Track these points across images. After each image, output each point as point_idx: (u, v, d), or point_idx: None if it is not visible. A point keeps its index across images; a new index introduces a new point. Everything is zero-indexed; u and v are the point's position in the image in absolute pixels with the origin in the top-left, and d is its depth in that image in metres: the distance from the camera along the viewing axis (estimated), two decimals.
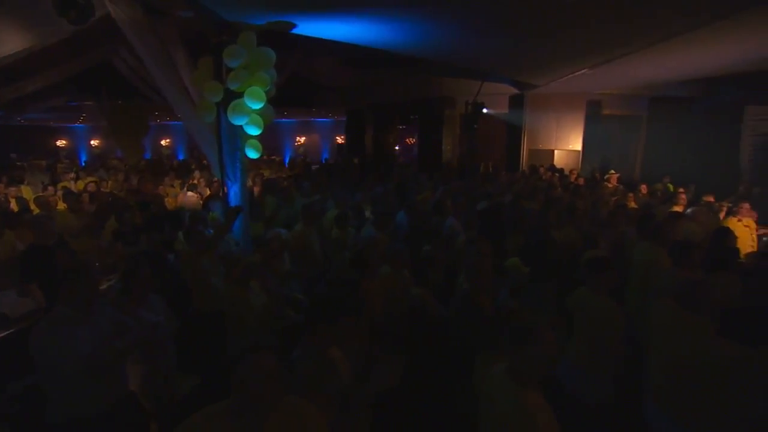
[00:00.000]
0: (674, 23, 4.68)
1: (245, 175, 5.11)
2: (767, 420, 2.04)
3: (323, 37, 5.80)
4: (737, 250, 4.04)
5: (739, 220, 5.69)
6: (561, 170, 9.90)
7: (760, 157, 9.35)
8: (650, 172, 10.70)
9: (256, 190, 7.95)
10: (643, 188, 7.81)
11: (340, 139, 22.38)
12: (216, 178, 6.63)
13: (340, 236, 4.78)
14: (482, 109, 9.00)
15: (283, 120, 23.11)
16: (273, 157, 19.30)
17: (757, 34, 4.98)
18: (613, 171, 9.23)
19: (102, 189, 7.84)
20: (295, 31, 5.16)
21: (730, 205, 6.15)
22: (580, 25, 4.92)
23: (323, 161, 19.69)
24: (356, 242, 4.47)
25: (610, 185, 8.46)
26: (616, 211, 5.05)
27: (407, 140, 20.14)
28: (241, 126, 4.52)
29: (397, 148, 14.82)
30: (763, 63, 6.69)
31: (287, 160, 18.08)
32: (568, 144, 10.81)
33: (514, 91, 10.65)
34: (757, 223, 5.90)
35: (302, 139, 24.48)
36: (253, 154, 4.87)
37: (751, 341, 1.95)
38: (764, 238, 5.79)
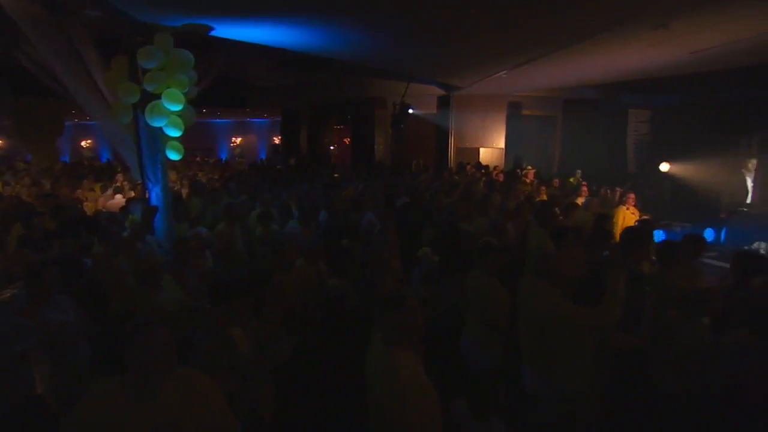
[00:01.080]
0: (571, 33, 5.29)
1: (167, 177, 5.08)
2: (602, 365, 2.50)
3: (246, 41, 5.88)
4: (611, 233, 4.67)
5: (628, 209, 6.53)
6: (486, 167, 10.60)
7: (640, 153, 10.70)
8: (566, 167, 11.75)
9: (184, 192, 7.87)
10: (555, 182, 8.60)
11: (277, 140, 22.15)
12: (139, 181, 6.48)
13: (263, 234, 4.91)
14: (408, 109, 9.42)
15: (218, 120, 22.50)
16: (207, 159, 18.76)
17: (634, 47, 5.74)
18: (529, 167, 10.02)
19: (7, 194, 7.35)
20: (214, 33, 5.21)
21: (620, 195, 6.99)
22: (494, 32, 5.39)
23: (259, 161, 19.47)
24: (279, 239, 4.63)
25: (527, 180, 9.19)
26: (522, 203, 5.59)
27: (345, 140, 20.36)
28: (160, 127, 4.51)
29: (332, 147, 14.99)
30: (641, 72, 7.64)
31: (223, 161, 17.69)
32: (492, 142, 11.55)
33: (441, 92, 11.24)
34: (640, 210, 6.80)
35: (239, 140, 23.96)
36: (174, 155, 4.87)
37: None
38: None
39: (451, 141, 11.38)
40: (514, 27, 5.11)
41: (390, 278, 3.33)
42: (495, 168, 10.43)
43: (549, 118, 12.81)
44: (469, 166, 10.42)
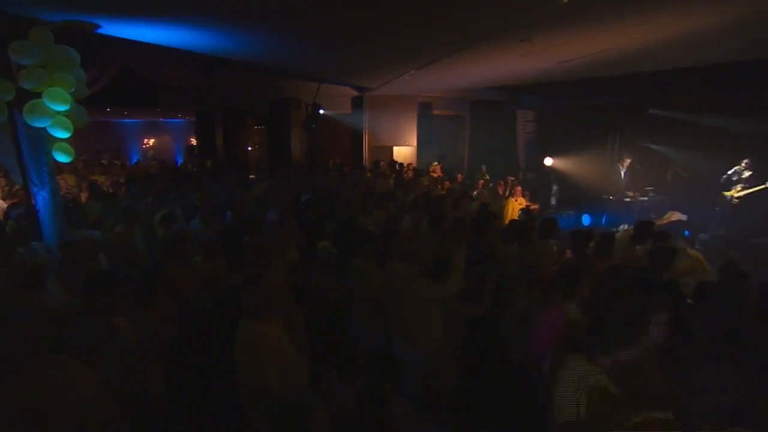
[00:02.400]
0: (449, 43, 5.84)
1: (55, 180, 4.88)
2: (452, 331, 2.96)
3: (140, 41, 5.77)
4: (490, 220, 5.30)
5: (516, 200, 7.34)
6: (401, 164, 11.15)
7: (527, 150, 11.96)
8: (474, 163, 12.70)
9: (84, 196, 7.55)
10: (459, 177, 9.33)
11: (194, 141, 21.23)
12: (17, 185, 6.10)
13: (165, 235, 4.90)
14: (320, 110, 9.65)
15: (126, 120, 21.05)
16: (115, 161, 17.54)
17: (511, 55, 6.46)
18: (435, 162, 10.73)
19: None
20: (102, 32, 5.08)
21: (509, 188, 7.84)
22: (386, 38, 5.77)
23: (178, 164, 18.58)
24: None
25: (434, 175, 9.86)
26: (417, 197, 6.09)
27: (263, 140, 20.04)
28: (44, 128, 4.34)
29: (251, 148, 14.77)
30: (527, 77, 8.57)
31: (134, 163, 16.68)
32: (405, 141, 12.15)
33: (355, 93, 11.62)
34: (530, 200, 7.66)
35: (151, 141, 22.59)
36: (62, 157, 4.70)
37: None
38: None
39: (365, 140, 11.80)
40: (402, 35, 5.55)
41: (281, 266, 3.57)
42: (408, 165, 11.01)
43: (458, 118, 13.73)
44: (383, 164, 10.89)
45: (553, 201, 9.80)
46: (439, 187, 8.43)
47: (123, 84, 8.26)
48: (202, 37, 5.72)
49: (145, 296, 2.85)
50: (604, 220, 8.68)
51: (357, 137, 12.14)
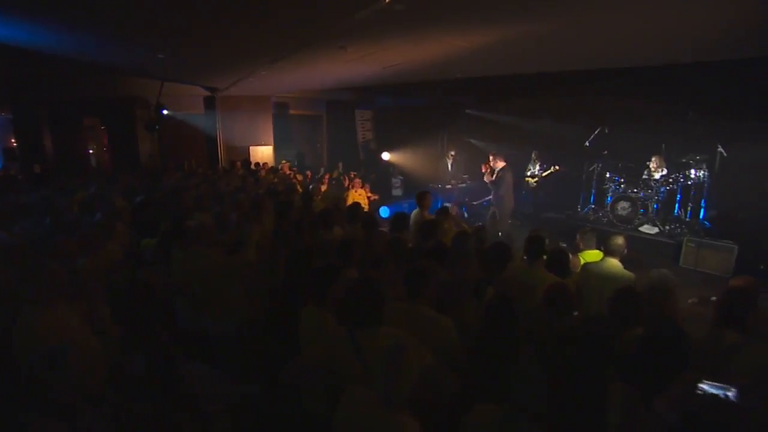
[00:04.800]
0: (274, 48, 6.28)
1: None
2: (255, 304, 3.44)
3: None
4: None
5: (356, 191, 8.15)
6: (257, 164, 11.29)
7: (367, 146, 13.26)
8: (333, 161, 13.40)
9: None
10: (308, 173, 9.88)
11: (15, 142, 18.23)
12: None
13: None
14: (163, 110, 9.34)
15: None
16: None
17: (339, 61, 7.14)
18: (284, 161, 11.16)
19: None
20: None
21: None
22: (221, 38, 5.94)
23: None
24: None
25: (284, 172, 10.26)
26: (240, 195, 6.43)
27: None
28: None
29: (91, 151, 13.40)
30: (365, 80, 9.45)
31: None
32: (262, 141, 12.29)
33: (207, 93, 11.39)
34: (371, 191, 8.58)
35: None
36: None
37: None
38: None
39: (220, 140, 11.67)
40: (227, 40, 5.83)
41: (95, 262, 3.66)
42: (264, 165, 11.20)
43: (315, 118, 14.30)
44: (238, 164, 10.92)
45: (399, 191, 10.95)
46: (294, 182, 8.90)
47: None
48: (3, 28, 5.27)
49: None
50: (439, 203, 10.08)
51: (212, 138, 11.92)
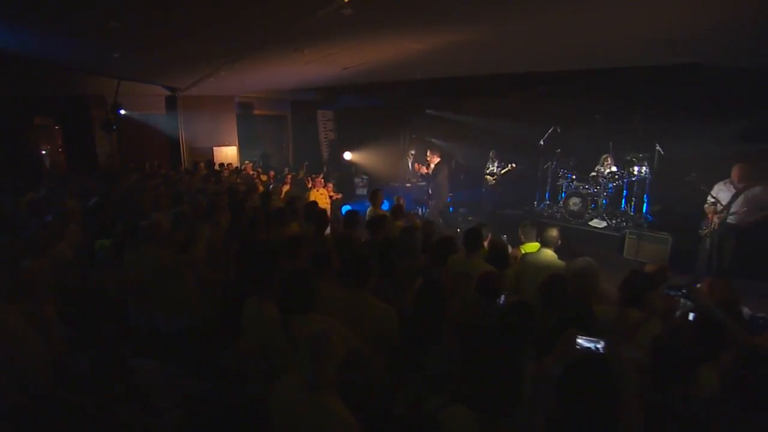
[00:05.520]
0: (234, 50, 6.32)
1: None
2: (207, 297, 3.52)
3: None
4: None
5: (317, 190, 8.25)
6: (221, 165, 11.19)
7: (330, 146, 13.42)
8: (299, 161, 13.42)
9: None
10: (272, 173, 9.92)
11: None
12: None
13: None
14: (120, 110, 9.17)
15: None
16: None
17: (299, 62, 7.23)
18: (247, 161, 11.15)
19: None
20: None
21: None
22: (174, 39, 5.92)
23: None
24: None
25: (247, 172, 10.26)
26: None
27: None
28: None
29: (44, 152, 12.91)
30: (327, 80, 9.57)
31: None
32: (225, 141, 12.19)
33: (168, 92, 11.20)
34: (334, 191, 8.73)
35: None
36: None
37: None
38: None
39: (182, 141, 11.51)
40: (189, 37, 5.82)
41: (43, 263, 3.64)
42: (228, 165, 11.13)
43: (280, 118, 14.27)
44: (201, 165, 10.82)
45: (362, 191, 11.11)
46: (256, 182, 8.93)
47: None
48: None
49: None
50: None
51: (174, 139, 11.74)
